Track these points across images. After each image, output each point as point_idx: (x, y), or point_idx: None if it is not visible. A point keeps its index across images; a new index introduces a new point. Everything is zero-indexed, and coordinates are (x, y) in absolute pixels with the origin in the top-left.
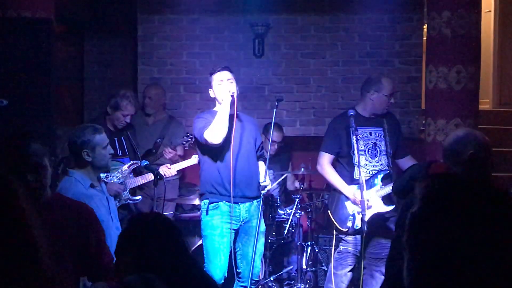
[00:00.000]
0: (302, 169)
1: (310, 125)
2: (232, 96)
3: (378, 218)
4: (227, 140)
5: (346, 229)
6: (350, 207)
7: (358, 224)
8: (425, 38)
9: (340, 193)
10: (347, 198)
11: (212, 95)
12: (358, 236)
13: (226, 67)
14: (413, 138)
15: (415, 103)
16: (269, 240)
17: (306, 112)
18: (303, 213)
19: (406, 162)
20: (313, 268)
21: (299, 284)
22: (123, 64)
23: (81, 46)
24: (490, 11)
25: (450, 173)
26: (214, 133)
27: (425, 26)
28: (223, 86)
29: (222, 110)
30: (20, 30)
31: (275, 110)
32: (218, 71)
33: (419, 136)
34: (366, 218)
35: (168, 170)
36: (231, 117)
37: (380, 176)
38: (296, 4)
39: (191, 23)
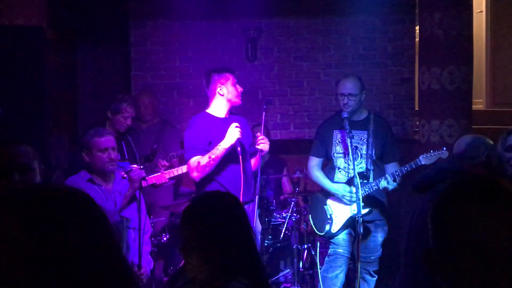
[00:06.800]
0: (297, 172)
1: (304, 128)
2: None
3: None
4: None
5: (323, 233)
6: (329, 211)
7: (334, 228)
8: (417, 39)
9: (321, 196)
10: (327, 200)
11: (213, 93)
12: (347, 238)
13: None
14: (407, 139)
15: (409, 104)
16: (266, 244)
17: (299, 115)
18: (298, 216)
19: (392, 169)
20: (310, 271)
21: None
22: (116, 71)
23: (73, 53)
24: (481, 11)
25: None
26: (201, 173)
27: (417, 28)
28: (237, 91)
29: (218, 151)
30: (12, 38)
31: (264, 113)
32: (230, 72)
33: (413, 137)
34: (343, 221)
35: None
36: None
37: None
38: (288, 7)
39: (184, 28)
